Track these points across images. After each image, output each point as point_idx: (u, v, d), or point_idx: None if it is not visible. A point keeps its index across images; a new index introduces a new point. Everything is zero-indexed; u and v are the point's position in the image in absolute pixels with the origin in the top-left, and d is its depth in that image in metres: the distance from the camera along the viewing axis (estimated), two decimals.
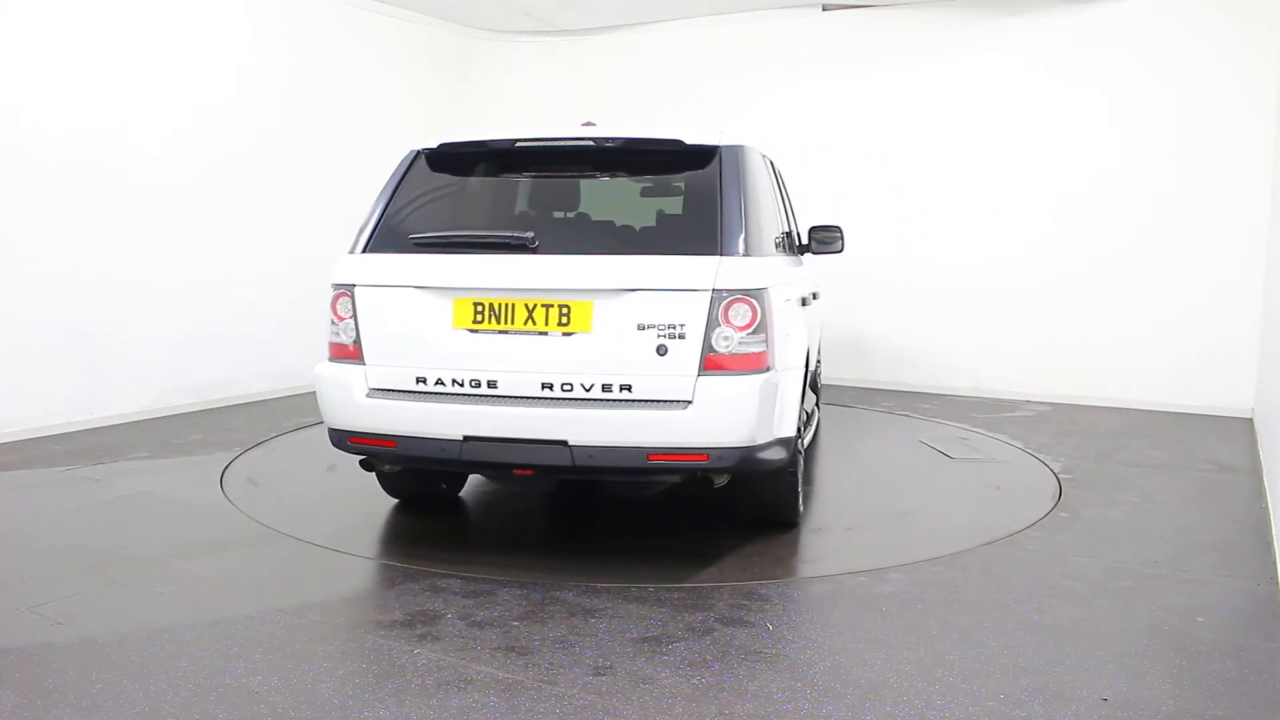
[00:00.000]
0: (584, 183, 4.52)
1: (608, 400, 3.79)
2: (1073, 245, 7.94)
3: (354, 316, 4.07)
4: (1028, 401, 8.03)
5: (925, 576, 3.97)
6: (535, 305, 3.87)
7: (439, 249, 4.11)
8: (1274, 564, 4.12)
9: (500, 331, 3.90)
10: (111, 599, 3.66)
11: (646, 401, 3.77)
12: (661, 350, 3.76)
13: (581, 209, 4.53)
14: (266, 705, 2.83)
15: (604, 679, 3.02)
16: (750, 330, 3.78)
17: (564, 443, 3.75)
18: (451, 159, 4.40)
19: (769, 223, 4.54)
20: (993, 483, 5.51)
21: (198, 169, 7.24)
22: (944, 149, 8.36)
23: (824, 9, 8.70)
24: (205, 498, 5.05)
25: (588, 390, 3.80)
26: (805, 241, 5.94)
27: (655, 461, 3.73)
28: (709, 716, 2.79)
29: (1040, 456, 6.09)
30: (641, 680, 3.01)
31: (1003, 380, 8.27)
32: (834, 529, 4.79)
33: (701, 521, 4.74)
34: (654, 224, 4.34)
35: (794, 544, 4.46)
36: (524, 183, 4.54)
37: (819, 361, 7.09)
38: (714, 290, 3.75)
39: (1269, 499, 5.00)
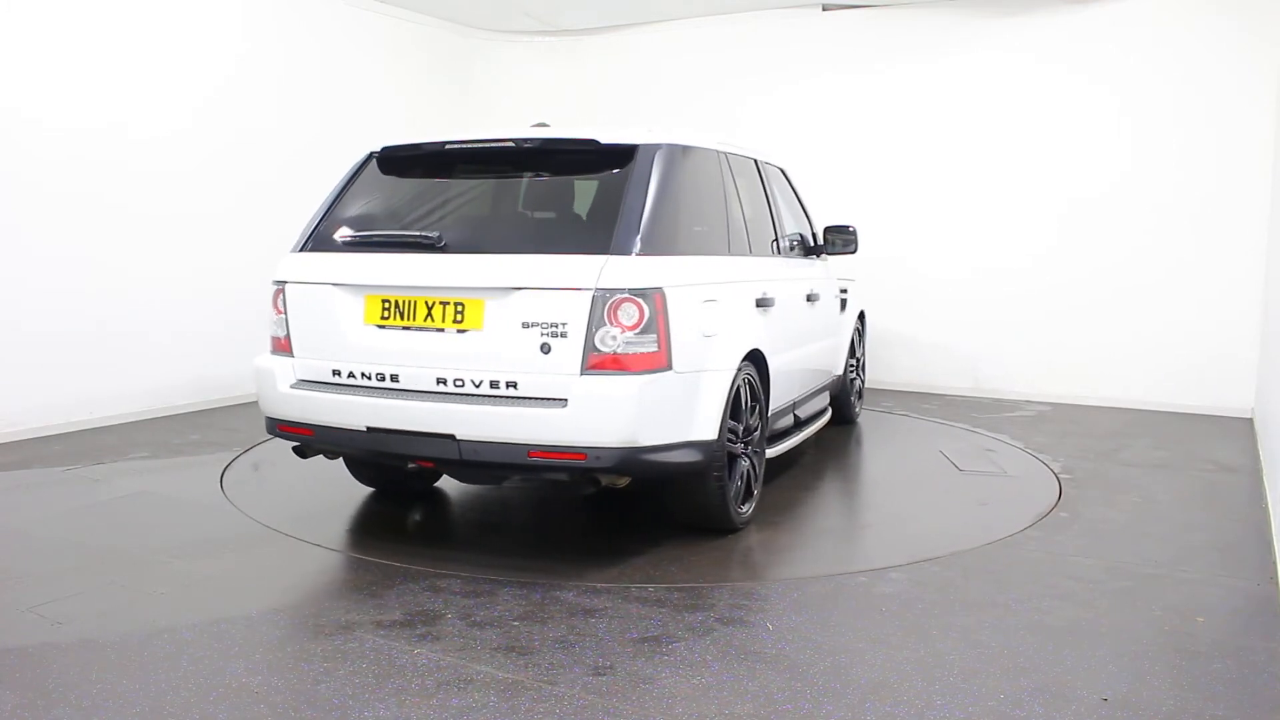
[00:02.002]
0: (505, 183, 4.54)
1: (494, 397, 3.86)
2: (1072, 245, 7.93)
3: (285, 312, 4.31)
4: (1028, 401, 8.03)
5: (925, 576, 3.97)
6: (434, 303, 3.99)
7: (359, 248, 4.30)
8: (1274, 564, 4.12)
9: (404, 328, 4.04)
10: (111, 599, 3.66)
11: (530, 399, 3.81)
12: (545, 349, 3.81)
13: (498, 209, 4.54)
14: (266, 705, 2.83)
15: (604, 679, 3.02)
16: (638, 330, 3.77)
17: (452, 437, 3.86)
18: (395, 161, 4.56)
19: (693, 222, 4.51)
20: (998, 468, 5.51)
21: (197, 167, 7.24)
22: (944, 149, 8.36)
23: (824, 9, 8.71)
24: (205, 498, 5.05)
25: (477, 387, 3.89)
26: (820, 242, 5.96)
27: (536, 459, 3.79)
28: (709, 716, 2.79)
29: (1040, 456, 6.09)
30: (641, 680, 3.01)
31: (1003, 380, 8.27)
32: (834, 530, 4.79)
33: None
34: (559, 224, 4.33)
35: (794, 544, 4.46)
36: (450, 184, 4.58)
37: (856, 365, 7.05)
38: (597, 290, 3.76)
39: (1269, 499, 5.00)
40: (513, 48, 9.91)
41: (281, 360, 4.30)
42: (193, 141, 7.21)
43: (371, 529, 4.72)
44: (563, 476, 3.94)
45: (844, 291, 6.71)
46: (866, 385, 7.78)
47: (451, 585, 3.82)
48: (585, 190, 4.36)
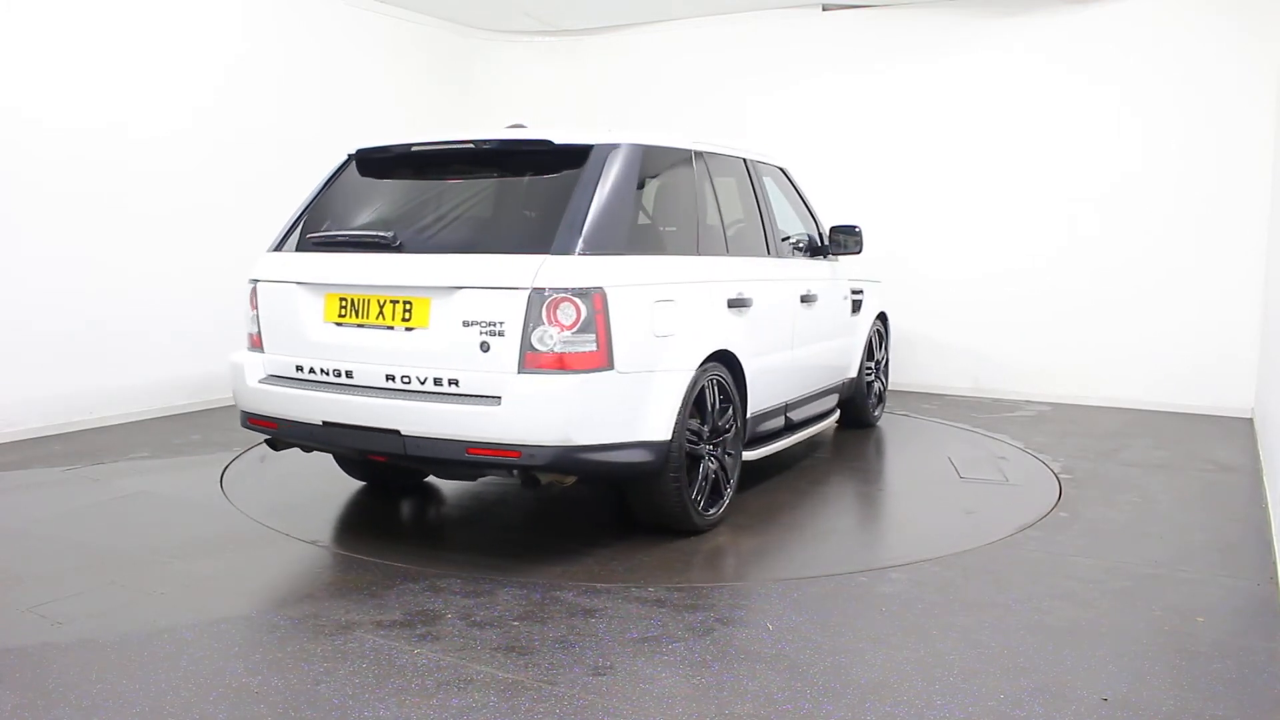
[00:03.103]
0: (464, 184, 4.58)
1: (436, 394, 3.92)
2: (1073, 246, 7.93)
3: (257, 309, 4.46)
4: (1028, 402, 8.03)
5: (925, 576, 3.97)
6: (385, 301, 4.09)
7: (324, 248, 4.41)
8: (1274, 564, 4.12)
9: (359, 325, 4.15)
10: (111, 599, 3.66)
11: (469, 396, 3.86)
12: (485, 347, 3.85)
13: (454, 209, 4.55)
14: (266, 705, 2.83)
15: (604, 679, 3.02)
16: (575, 330, 3.79)
17: (397, 432, 3.93)
18: (369, 163, 4.65)
19: (650, 221, 4.51)
20: (1001, 476, 5.50)
21: (198, 167, 7.24)
22: (944, 150, 8.36)
23: (824, 9, 8.71)
24: (205, 498, 5.05)
25: (422, 384, 3.96)
26: (826, 242, 5.94)
27: (474, 456, 3.85)
28: (709, 716, 2.79)
29: (1040, 456, 6.09)
30: (641, 680, 3.01)
31: (1003, 380, 8.27)
32: (834, 530, 4.79)
33: None
34: (507, 224, 4.34)
35: (794, 545, 4.46)
36: (416, 185, 4.63)
37: (874, 367, 6.90)
38: (533, 289, 3.79)
39: (1269, 499, 5.00)
40: (513, 48, 9.91)
41: (253, 356, 4.45)
42: (193, 141, 7.21)
43: (371, 529, 4.72)
44: (503, 474, 3.99)
45: (858, 293, 6.56)
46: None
47: (451, 585, 3.82)
48: (538, 190, 4.37)
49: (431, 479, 5.42)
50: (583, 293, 3.80)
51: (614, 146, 4.25)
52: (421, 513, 5.04)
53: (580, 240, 3.92)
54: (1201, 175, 7.48)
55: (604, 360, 3.86)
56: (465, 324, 3.88)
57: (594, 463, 3.92)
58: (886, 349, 7.25)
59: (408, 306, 4.03)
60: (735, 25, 9.06)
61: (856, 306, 6.55)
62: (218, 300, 7.34)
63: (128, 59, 6.77)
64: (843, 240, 5.94)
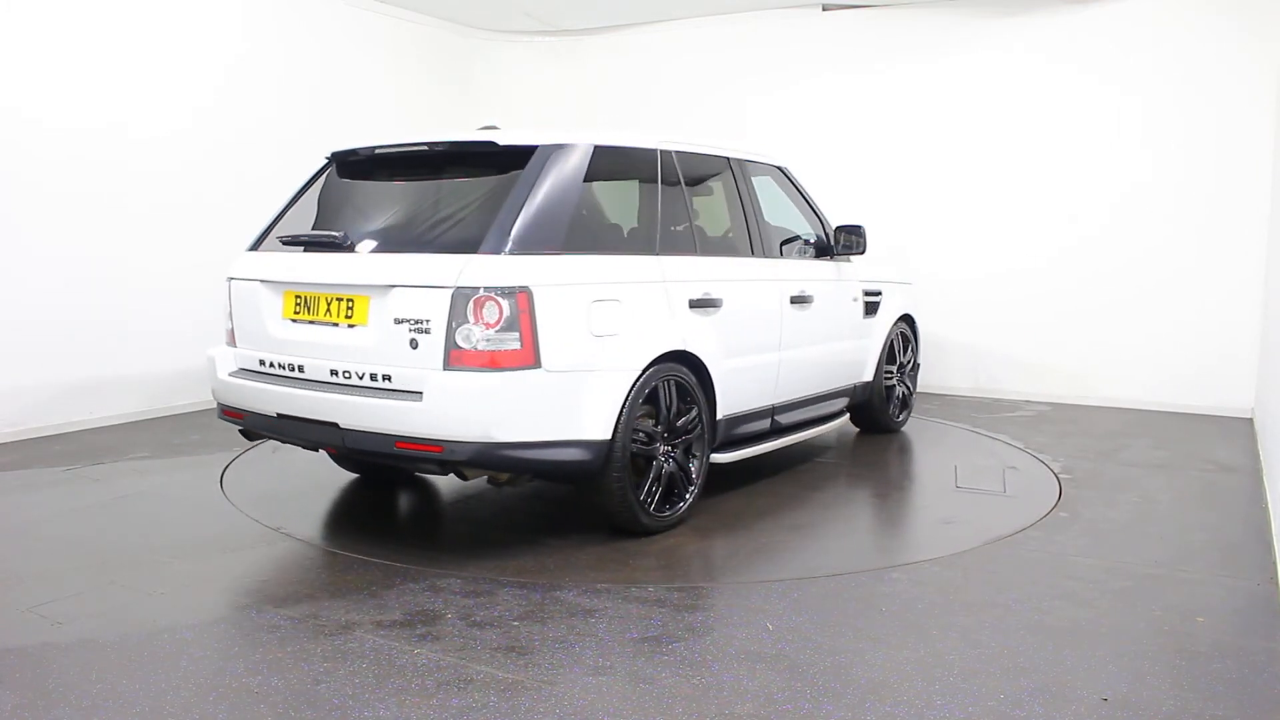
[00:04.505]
0: (417, 185, 4.65)
1: (372, 389, 4.03)
2: (1073, 247, 7.93)
3: (231, 305, 4.64)
4: (1028, 402, 8.03)
5: (925, 576, 3.97)
6: (332, 299, 4.22)
7: (288, 247, 4.53)
8: (1274, 564, 4.12)
9: (310, 322, 4.29)
10: (111, 599, 3.66)
11: (398, 392, 3.95)
12: (414, 344, 3.93)
13: (404, 210, 4.59)
14: (266, 705, 2.83)
15: (604, 679, 3.02)
16: (498, 328, 3.84)
17: (336, 425, 4.06)
18: (345, 165, 4.76)
19: (595, 221, 4.51)
20: (1000, 487, 5.50)
21: (198, 167, 7.24)
22: (944, 150, 8.36)
23: (824, 9, 8.70)
24: (205, 498, 5.06)
25: (360, 379, 4.07)
26: (831, 242, 5.87)
27: (401, 450, 3.95)
28: (709, 716, 2.79)
29: (1040, 456, 6.09)
30: (641, 680, 3.01)
31: (1003, 380, 8.27)
32: (832, 530, 4.79)
33: (700, 523, 4.73)
34: (446, 224, 4.37)
35: (794, 545, 4.46)
36: (379, 186, 4.73)
37: (896, 371, 6.65)
38: (456, 288, 3.85)
39: (1269, 499, 5.00)
40: (513, 48, 9.91)
41: (226, 350, 4.65)
42: (193, 140, 7.21)
43: (371, 529, 4.72)
44: (433, 469, 4.07)
45: (874, 294, 6.34)
46: None
47: (451, 585, 3.82)
48: (480, 191, 4.39)
49: (430, 478, 5.44)
50: (507, 292, 3.86)
51: (559, 147, 4.29)
52: (421, 512, 5.04)
53: (510, 240, 3.97)
54: (1202, 176, 7.47)
55: (530, 359, 3.91)
56: (397, 321, 3.97)
57: (522, 460, 3.98)
58: (914, 353, 6.99)
59: (350, 304, 4.15)
60: (735, 25, 9.06)
61: (872, 308, 6.35)
62: (220, 301, 7.33)
63: (128, 59, 6.77)
64: (845, 240, 5.85)
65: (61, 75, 6.39)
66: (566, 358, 4.02)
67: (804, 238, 5.83)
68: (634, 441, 4.28)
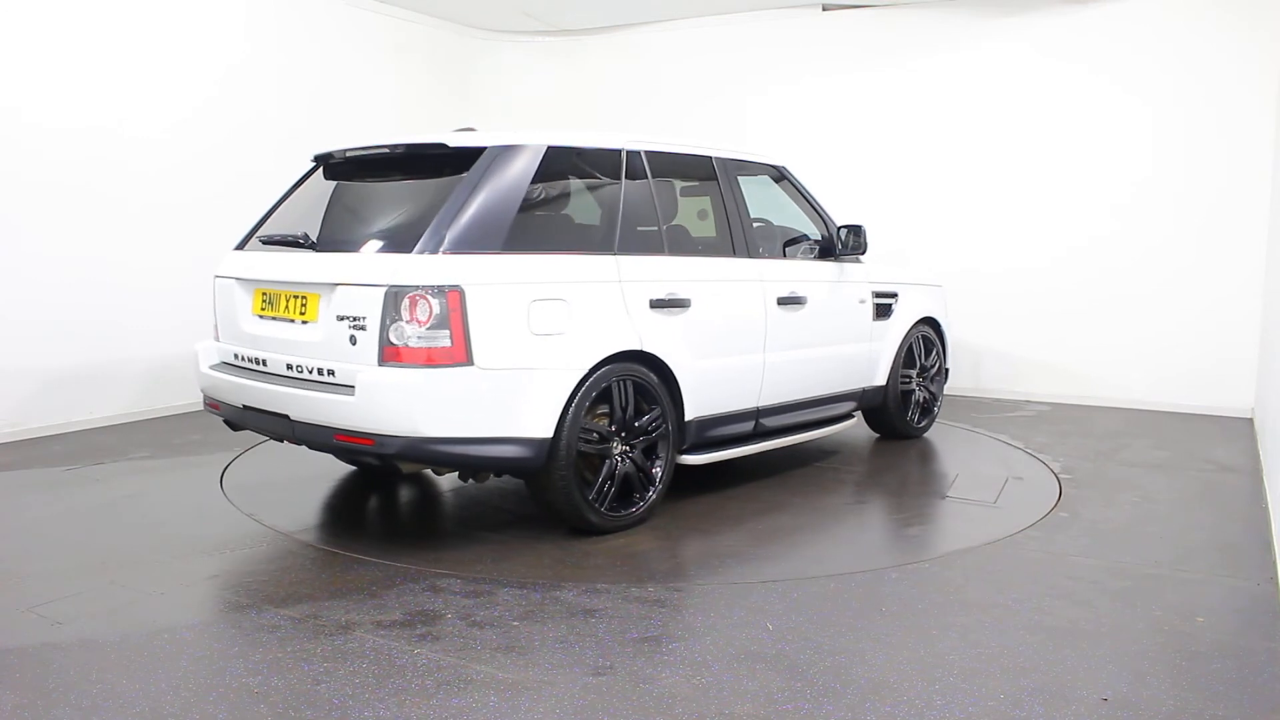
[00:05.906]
0: (378, 186, 4.77)
1: (317, 382, 4.17)
2: (1074, 247, 7.93)
3: (214, 302, 4.85)
4: (1028, 401, 8.03)
5: (925, 576, 3.97)
6: (290, 296, 4.37)
7: (262, 247, 4.68)
8: (1274, 564, 4.12)
9: (273, 318, 4.46)
10: (111, 599, 3.66)
11: (337, 386, 4.08)
12: (353, 340, 4.04)
13: (362, 211, 4.70)
14: (266, 705, 2.83)
15: (604, 679, 3.02)
16: (430, 325, 3.91)
17: (287, 416, 4.22)
18: (328, 167, 4.89)
19: (546, 221, 4.53)
20: (991, 498, 5.50)
21: (197, 166, 7.24)
22: (945, 150, 8.36)
23: (824, 9, 8.71)
24: (205, 498, 5.06)
25: (309, 373, 4.21)
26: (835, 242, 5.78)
27: (339, 441, 4.09)
28: (709, 716, 2.79)
29: (1040, 456, 6.09)
30: (641, 680, 3.01)
31: (1003, 380, 8.27)
32: (831, 530, 4.79)
33: (701, 523, 4.73)
34: (391, 224, 4.43)
35: (793, 545, 4.46)
36: (348, 187, 4.82)
37: (916, 376, 6.43)
38: (389, 286, 3.93)
39: (1269, 499, 5.00)
40: (513, 48, 9.91)
41: (209, 345, 4.85)
42: (193, 139, 7.21)
43: (371, 529, 4.73)
44: (372, 460, 4.22)
45: (887, 296, 6.13)
46: None
47: (451, 585, 3.82)
48: (428, 192, 4.41)
49: (430, 477, 5.44)
50: (438, 290, 3.91)
51: (507, 148, 4.33)
52: (422, 512, 5.04)
53: (445, 239, 4.02)
54: (1203, 176, 7.47)
55: (461, 356, 3.95)
56: (339, 318, 4.09)
57: (455, 455, 4.05)
58: (940, 356, 6.68)
59: (304, 301, 4.28)
60: (735, 25, 9.07)
61: (884, 310, 6.13)
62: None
63: (128, 59, 6.77)
64: (846, 239, 5.72)
65: (61, 75, 6.39)
66: (502, 356, 4.05)
67: (807, 238, 5.77)
68: (585, 440, 4.30)
